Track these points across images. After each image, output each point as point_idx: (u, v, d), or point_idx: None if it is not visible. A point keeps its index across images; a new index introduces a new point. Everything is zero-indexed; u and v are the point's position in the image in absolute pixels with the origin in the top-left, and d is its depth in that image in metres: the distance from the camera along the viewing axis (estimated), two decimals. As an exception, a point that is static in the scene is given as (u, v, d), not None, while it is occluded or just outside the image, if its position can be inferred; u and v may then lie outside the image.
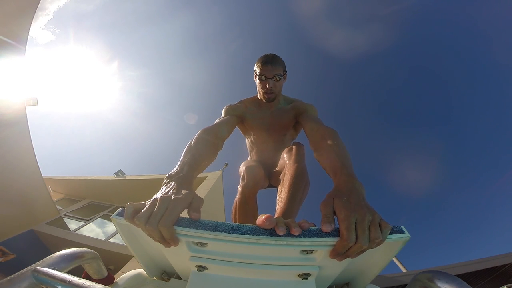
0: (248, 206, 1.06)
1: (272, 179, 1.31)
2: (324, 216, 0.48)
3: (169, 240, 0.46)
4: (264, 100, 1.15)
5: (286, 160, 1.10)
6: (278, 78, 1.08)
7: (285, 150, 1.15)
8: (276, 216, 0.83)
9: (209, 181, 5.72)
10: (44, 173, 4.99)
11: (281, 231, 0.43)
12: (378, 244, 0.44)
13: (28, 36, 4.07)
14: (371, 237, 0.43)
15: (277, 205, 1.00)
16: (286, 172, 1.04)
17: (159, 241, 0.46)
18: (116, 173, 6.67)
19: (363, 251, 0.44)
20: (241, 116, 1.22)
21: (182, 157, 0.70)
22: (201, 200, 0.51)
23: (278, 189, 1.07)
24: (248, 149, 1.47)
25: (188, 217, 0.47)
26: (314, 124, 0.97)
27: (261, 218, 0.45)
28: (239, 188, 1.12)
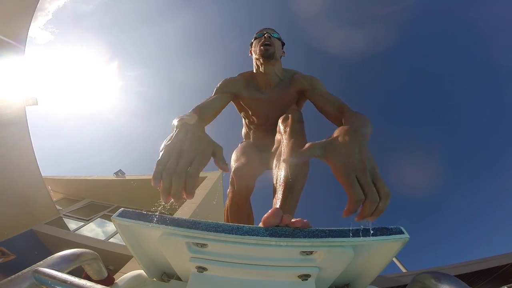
0: (241, 213, 0.98)
1: (271, 161, 1.16)
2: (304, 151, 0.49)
3: (189, 191, 0.44)
4: (261, 58, 1.05)
5: (282, 133, 0.90)
6: (276, 37, 1.09)
7: (280, 119, 0.95)
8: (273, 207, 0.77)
9: (208, 181, 5.71)
10: (44, 173, 4.99)
11: (286, 218, 0.44)
12: (387, 197, 0.42)
13: (28, 36, 4.06)
14: (379, 190, 0.42)
15: (274, 192, 0.82)
16: (282, 149, 0.85)
17: (175, 195, 0.44)
18: (116, 173, 6.66)
19: (379, 210, 0.42)
20: (237, 93, 1.10)
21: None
22: (221, 148, 0.52)
23: (274, 171, 0.88)
24: (245, 129, 1.33)
25: (189, 217, 0.47)
26: (334, 106, 0.89)
27: (267, 213, 0.46)
28: (229, 194, 0.99)
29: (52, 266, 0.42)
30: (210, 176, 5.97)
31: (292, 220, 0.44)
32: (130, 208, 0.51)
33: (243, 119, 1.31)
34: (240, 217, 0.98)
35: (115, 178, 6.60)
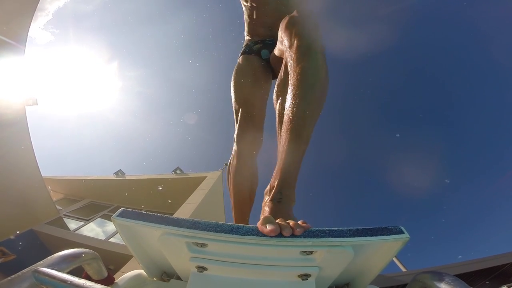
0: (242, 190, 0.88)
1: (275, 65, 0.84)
2: None
3: None
4: None
5: (286, 46, 0.62)
6: None
7: (282, 24, 0.65)
8: (277, 168, 0.63)
9: (208, 181, 5.71)
10: (44, 173, 5.00)
11: (287, 232, 0.43)
12: None
13: (28, 36, 4.07)
14: None
15: (278, 146, 0.62)
16: (289, 78, 0.58)
17: None
18: (116, 173, 6.67)
19: None
20: None
21: None
22: None
23: (277, 106, 0.65)
24: (245, 16, 1.12)
25: (189, 217, 0.47)
26: None
27: (265, 230, 0.44)
28: (233, 152, 0.87)
29: (52, 266, 0.42)
30: (210, 176, 5.97)
31: (293, 227, 0.44)
32: (130, 208, 0.51)
33: (243, 5, 1.11)
34: (242, 199, 0.89)
35: (115, 178, 6.61)
